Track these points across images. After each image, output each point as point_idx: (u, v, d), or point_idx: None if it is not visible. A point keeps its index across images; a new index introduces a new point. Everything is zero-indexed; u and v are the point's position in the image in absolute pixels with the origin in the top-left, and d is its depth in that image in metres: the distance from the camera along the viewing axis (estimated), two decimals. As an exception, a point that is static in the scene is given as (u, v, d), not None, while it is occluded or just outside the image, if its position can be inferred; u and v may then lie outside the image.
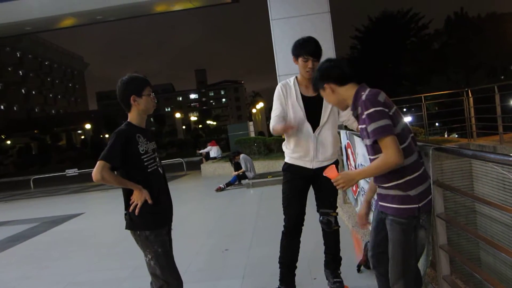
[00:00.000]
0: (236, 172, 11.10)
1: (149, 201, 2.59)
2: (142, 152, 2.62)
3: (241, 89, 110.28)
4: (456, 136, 16.51)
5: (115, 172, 2.60)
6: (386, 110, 2.17)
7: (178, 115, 71.88)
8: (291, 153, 3.39)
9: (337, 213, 3.42)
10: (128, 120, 2.69)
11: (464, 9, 32.07)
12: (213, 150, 17.59)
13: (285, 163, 3.47)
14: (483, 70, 26.22)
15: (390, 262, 2.34)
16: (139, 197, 2.59)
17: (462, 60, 26.98)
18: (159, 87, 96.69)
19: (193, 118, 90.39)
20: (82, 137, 67.13)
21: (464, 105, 9.83)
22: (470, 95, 9.64)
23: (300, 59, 3.23)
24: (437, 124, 21.73)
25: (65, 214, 9.93)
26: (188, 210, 8.51)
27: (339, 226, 3.43)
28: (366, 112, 2.16)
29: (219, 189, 10.60)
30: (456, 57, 27.31)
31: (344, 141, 5.30)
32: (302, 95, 3.28)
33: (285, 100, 3.29)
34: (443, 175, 3.36)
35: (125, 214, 2.68)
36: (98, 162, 2.51)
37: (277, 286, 3.45)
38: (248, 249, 5.21)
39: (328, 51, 9.77)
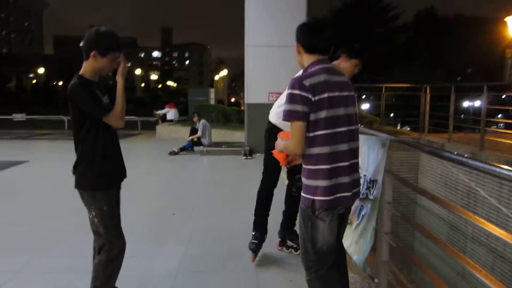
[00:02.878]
0: (190, 137, 10.98)
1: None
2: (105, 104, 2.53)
3: (206, 54, 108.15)
4: (408, 129, 17.10)
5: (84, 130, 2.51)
6: (308, 96, 2.12)
7: (138, 71, 69.78)
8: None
9: None
10: (81, 72, 2.53)
11: (435, 7, 32.84)
12: (171, 113, 17.26)
13: (273, 124, 3.54)
14: (443, 69, 27.13)
15: None
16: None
17: (424, 57, 27.76)
18: (121, 40, 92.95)
19: (154, 77, 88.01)
20: (34, 81, 63.86)
21: (421, 100, 10.15)
22: (428, 92, 9.95)
23: (353, 61, 3.36)
24: (391, 115, 22.40)
25: (7, 160, 9.48)
26: (138, 171, 8.35)
27: None
28: (287, 91, 2.18)
29: (172, 153, 10.49)
30: (420, 53, 28.05)
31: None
32: None
33: None
34: (391, 166, 3.45)
35: (73, 171, 2.57)
36: (106, 120, 2.48)
37: (253, 233, 3.72)
38: (196, 216, 5.22)
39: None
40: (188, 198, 6.16)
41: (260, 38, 9.97)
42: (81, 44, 2.53)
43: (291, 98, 2.12)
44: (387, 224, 2.60)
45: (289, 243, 3.91)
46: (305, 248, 2.30)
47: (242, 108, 19.14)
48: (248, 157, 9.80)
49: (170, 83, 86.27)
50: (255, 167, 8.81)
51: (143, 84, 79.92)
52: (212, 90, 21.47)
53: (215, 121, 14.84)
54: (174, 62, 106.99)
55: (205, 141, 10.90)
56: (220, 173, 8.27)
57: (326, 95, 2.14)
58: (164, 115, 17.32)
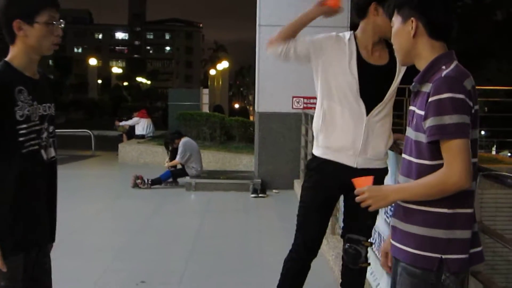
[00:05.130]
0: (170, 164, 10.95)
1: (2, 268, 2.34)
2: (19, 119, 2.40)
3: (197, 36, 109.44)
4: (509, 155, 16.97)
5: None
6: (470, 104, 2.14)
7: (93, 61, 70.64)
8: (326, 140, 3.38)
9: (371, 244, 3.56)
10: (8, 58, 2.46)
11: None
12: (141, 124, 17.33)
13: (314, 156, 3.49)
14: None
15: None
16: None
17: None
18: (68, 13, 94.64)
19: (116, 70, 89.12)
20: None
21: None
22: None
23: (381, 10, 3.22)
24: (483, 132, 22.27)
25: None
26: (88, 214, 8.36)
27: (369, 264, 3.54)
28: (437, 96, 2.13)
29: (139, 183, 10.43)
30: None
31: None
32: (360, 58, 3.32)
33: (326, 51, 3.31)
34: (482, 211, 3.45)
35: None
36: None
37: None
38: (178, 284, 5.20)
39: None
40: (166, 257, 6.15)
41: (280, 13, 9.95)
42: None
43: (455, 105, 2.10)
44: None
45: None
46: None
47: (251, 119, 19.15)
48: (260, 195, 9.76)
49: (141, 79, 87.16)
50: (269, 210, 8.76)
51: (100, 81, 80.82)
52: (206, 91, 21.59)
53: (209, 139, 14.90)
54: (148, 48, 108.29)
55: (191, 170, 10.85)
56: (216, 219, 8.24)
57: (477, 106, 2.19)
58: (132, 128, 17.42)
